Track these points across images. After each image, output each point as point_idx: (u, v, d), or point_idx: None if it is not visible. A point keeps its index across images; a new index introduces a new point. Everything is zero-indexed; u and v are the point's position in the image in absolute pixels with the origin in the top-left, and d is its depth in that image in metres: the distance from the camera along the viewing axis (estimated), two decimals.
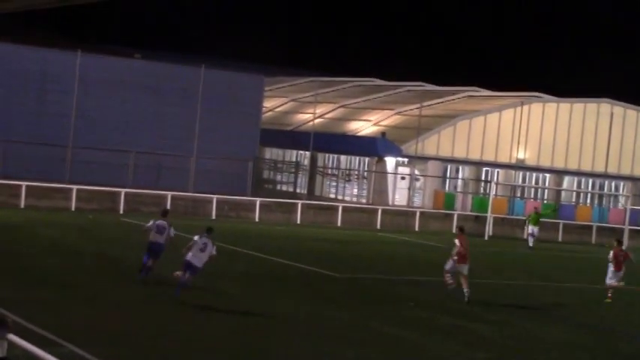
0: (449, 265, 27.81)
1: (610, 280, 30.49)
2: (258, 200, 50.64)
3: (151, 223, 25.98)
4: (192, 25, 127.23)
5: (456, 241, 27.88)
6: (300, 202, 52.48)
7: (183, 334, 19.67)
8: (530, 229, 49.95)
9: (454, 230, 52.83)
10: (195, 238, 24.29)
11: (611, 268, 30.43)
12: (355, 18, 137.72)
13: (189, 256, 23.78)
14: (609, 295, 30.33)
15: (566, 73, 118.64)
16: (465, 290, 26.93)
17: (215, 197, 49.37)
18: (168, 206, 47.88)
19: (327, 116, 73.56)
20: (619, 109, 68.88)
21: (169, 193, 48.63)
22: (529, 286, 33.36)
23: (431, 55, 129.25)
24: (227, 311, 22.66)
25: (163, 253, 25.55)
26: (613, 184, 69.98)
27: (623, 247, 32.57)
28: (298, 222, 50.40)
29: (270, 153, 71.30)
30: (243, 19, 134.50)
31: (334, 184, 67.01)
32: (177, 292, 23.49)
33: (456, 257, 27.46)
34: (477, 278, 33.72)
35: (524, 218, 54.63)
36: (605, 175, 68.42)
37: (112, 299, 22.95)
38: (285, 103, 79.24)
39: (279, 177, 69.90)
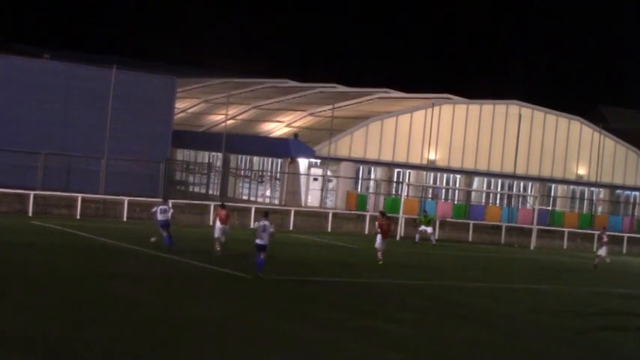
0: (377, 242, 36.86)
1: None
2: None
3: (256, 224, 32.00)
4: (103, 25, 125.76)
5: (376, 223, 36.40)
6: (212, 203, 52.23)
7: (101, 339, 19.40)
8: (422, 227, 51.13)
9: (366, 231, 53.37)
10: (255, 225, 31.88)
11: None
12: (268, 18, 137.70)
13: (258, 240, 30.80)
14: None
15: (475, 75, 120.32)
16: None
17: (126, 199, 48.87)
18: (79, 208, 47.38)
19: (239, 117, 73.41)
20: (527, 111, 70.10)
21: (80, 195, 48.02)
22: (442, 286, 33.73)
23: (343, 57, 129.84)
24: (142, 315, 22.45)
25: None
26: (522, 184, 71.18)
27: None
28: (210, 223, 50.11)
29: (183, 154, 70.87)
30: (156, 19, 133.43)
31: (247, 185, 66.89)
32: (260, 267, 30.38)
33: (379, 230, 36.16)
34: (390, 278, 34.04)
35: (415, 218, 55.49)
36: (514, 176, 69.57)
37: (24, 303, 22.54)
38: (198, 104, 78.88)
39: (191, 178, 69.51)
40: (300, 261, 37.63)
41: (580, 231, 63.02)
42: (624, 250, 61.12)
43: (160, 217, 35.97)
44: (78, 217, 47.02)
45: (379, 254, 37.50)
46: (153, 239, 35.77)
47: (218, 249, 36.16)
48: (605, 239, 46.63)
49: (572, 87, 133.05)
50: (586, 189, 73.55)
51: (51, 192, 48.79)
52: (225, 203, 40.43)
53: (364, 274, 34.65)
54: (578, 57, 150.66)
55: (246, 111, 74.22)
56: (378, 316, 25.19)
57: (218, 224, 36.80)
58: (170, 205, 37.45)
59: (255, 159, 67.58)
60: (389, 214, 58.27)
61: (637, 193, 74.90)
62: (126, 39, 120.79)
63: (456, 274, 38.18)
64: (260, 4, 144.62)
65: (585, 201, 73.87)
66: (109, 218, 48.13)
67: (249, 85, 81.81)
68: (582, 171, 72.03)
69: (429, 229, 51.40)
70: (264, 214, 32.65)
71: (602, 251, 46.18)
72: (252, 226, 32.86)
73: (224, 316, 23.21)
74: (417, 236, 51.38)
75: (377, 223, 39.18)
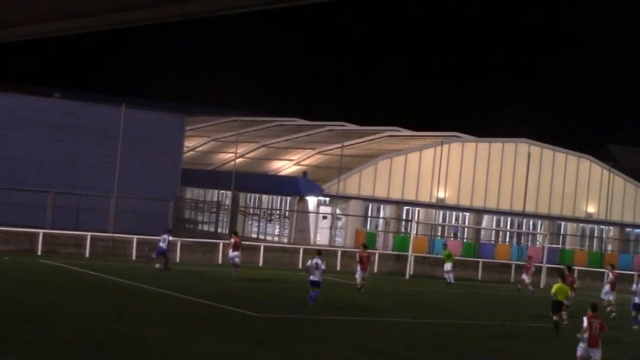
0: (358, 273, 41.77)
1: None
2: (179, 240, 50.21)
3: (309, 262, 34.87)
4: (113, 65, 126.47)
5: (357, 255, 42.55)
6: (221, 241, 52.18)
7: None
8: (445, 266, 51.27)
9: (375, 269, 53.24)
10: (308, 263, 34.85)
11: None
12: (277, 56, 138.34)
13: (311, 277, 34.16)
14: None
15: (484, 114, 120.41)
16: None
17: (135, 237, 48.85)
18: (88, 247, 47.39)
19: (248, 156, 73.50)
20: (536, 149, 70.06)
21: (89, 234, 48.01)
22: (452, 324, 33.55)
23: (352, 95, 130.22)
24: (151, 355, 22.36)
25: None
26: (531, 222, 70.99)
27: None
28: (220, 262, 50.09)
29: (192, 193, 70.91)
30: (164, 59, 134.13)
31: (256, 223, 66.85)
32: (311, 301, 33.60)
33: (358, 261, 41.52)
34: (399, 317, 33.90)
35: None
36: (523, 214, 69.40)
37: (33, 343, 22.47)
38: (207, 142, 79.02)
39: (200, 217, 69.50)
40: (307, 300, 37.45)
41: (590, 269, 62.73)
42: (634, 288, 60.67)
43: (160, 244, 43.04)
44: (87, 255, 47.01)
45: (360, 281, 41.57)
46: (157, 265, 42.82)
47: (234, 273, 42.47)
48: (532, 268, 49.03)
49: (581, 125, 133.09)
50: (596, 227, 73.32)
51: (60, 231, 48.79)
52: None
53: (374, 313, 34.50)
54: (587, 95, 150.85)
55: (255, 149, 74.33)
56: (389, 356, 25.04)
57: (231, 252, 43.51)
58: (170, 236, 44.17)
59: (264, 197, 67.56)
60: (399, 253, 58.40)
61: None
62: (134, 78, 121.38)
63: (464, 312, 37.97)
64: (269, 42, 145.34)
65: (595, 239, 73.64)
66: (117, 257, 48.08)
67: (258, 124, 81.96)
68: (592, 209, 71.85)
69: (449, 266, 51.19)
70: (317, 252, 36.41)
71: (526, 277, 47.80)
72: (307, 264, 35.73)
73: (233, 356, 23.08)
74: (449, 276, 51.20)
75: (358, 254, 42.71)
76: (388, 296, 41.88)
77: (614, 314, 40.25)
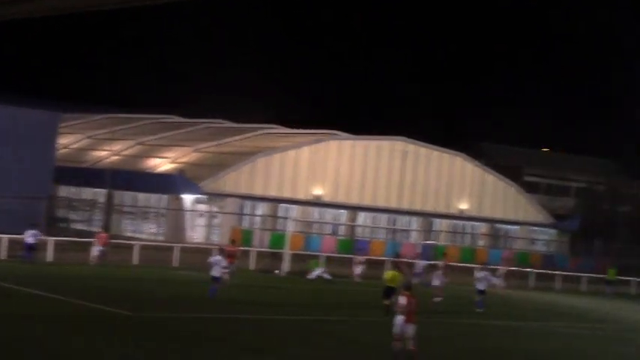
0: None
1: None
2: (52, 240, 49.37)
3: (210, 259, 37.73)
4: None
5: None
6: (94, 240, 51.45)
7: None
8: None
9: (251, 267, 53.38)
10: (210, 259, 37.89)
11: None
12: (151, 52, 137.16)
13: (212, 272, 37.08)
14: None
15: (362, 113, 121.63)
16: None
17: (6, 237, 47.84)
18: None
19: (124, 153, 72.78)
20: (412, 147, 71.25)
21: None
22: (337, 321, 33.93)
23: (230, 92, 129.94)
24: (19, 355, 22.06)
25: None
26: (406, 219, 72.15)
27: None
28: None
29: (66, 191, 69.81)
30: (35, 54, 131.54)
31: (131, 221, 66.24)
32: (211, 295, 35.85)
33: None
34: (282, 314, 34.12)
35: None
36: (399, 211, 70.51)
37: None
38: (81, 139, 77.93)
39: (74, 215, 68.47)
40: (182, 298, 37.39)
41: (462, 265, 64.06)
42: (504, 284, 62.28)
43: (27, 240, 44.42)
44: None
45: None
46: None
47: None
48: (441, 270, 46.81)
49: (455, 124, 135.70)
50: (468, 223, 74.98)
51: None
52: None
53: (251, 310, 34.64)
54: (460, 94, 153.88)
55: (130, 147, 73.63)
56: (269, 353, 25.22)
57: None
58: (37, 231, 45.67)
59: (140, 195, 66.99)
60: (275, 250, 58.66)
61: (516, 227, 76.67)
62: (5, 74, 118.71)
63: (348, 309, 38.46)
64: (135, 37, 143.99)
65: (467, 235, 75.29)
66: None
67: (134, 121, 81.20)
68: (464, 205, 73.45)
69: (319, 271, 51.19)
70: (219, 250, 39.51)
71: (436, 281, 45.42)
72: (208, 260, 38.49)
73: (101, 356, 22.90)
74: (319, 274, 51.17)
75: (225, 250, 43.29)
76: (264, 293, 42.06)
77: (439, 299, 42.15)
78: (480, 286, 41.81)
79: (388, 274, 37.36)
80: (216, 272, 37.43)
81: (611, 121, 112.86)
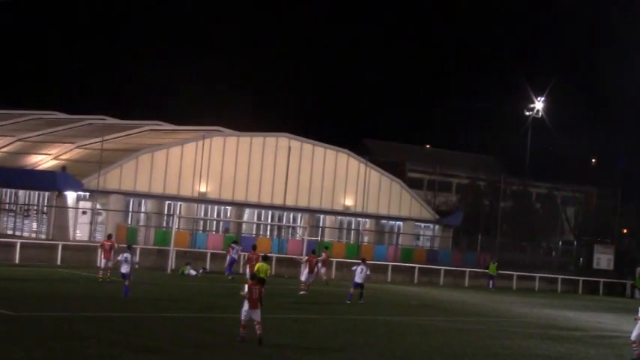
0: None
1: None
2: None
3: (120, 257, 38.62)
4: None
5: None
6: None
7: None
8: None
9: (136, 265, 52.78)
10: (119, 257, 38.73)
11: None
12: (28, 49, 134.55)
13: (122, 269, 37.95)
14: None
15: (244, 109, 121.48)
16: None
17: None
18: None
19: (3, 150, 71.20)
20: (296, 143, 71.45)
21: None
22: (215, 318, 33.82)
23: (111, 88, 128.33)
24: None
25: None
26: (291, 215, 72.37)
27: None
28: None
29: None
30: None
31: (12, 219, 64.84)
32: (125, 294, 36.29)
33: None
34: (161, 312, 33.85)
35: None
36: (284, 207, 70.67)
37: None
38: None
39: None
40: (65, 297, 36.81)
41: (347, 261, 64.61)
42: (389, 279, 63.18)
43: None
44: None
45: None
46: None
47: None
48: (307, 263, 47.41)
49: (339, 120, 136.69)
50: (353, 219, 75.61)
51: None
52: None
53: (134, 309, 34.30)
54: (344, 91, 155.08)
55: (10, 143, 72.04)
56: (150, 351, 25.02)
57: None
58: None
59: (21, 192, 65.64)
60: (160, 247, 58.18)
61: (400, 223, 77.64)
62: None
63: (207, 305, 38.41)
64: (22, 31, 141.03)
65: (352, 231, 75.92)
66: None
67: (14, 117, 79.46)
68: (349, 202, 74.03)
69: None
70: (127, 247, 39.87)
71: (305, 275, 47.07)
72: (118, 258, 39.48)
73: None
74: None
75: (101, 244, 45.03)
76: (150, 291, 41.70)
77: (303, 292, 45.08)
78: (358, 280, 43.76)
79: (257, 266, 40.85)
80: (124, 269, 38.01)
81: (493, 117, 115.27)
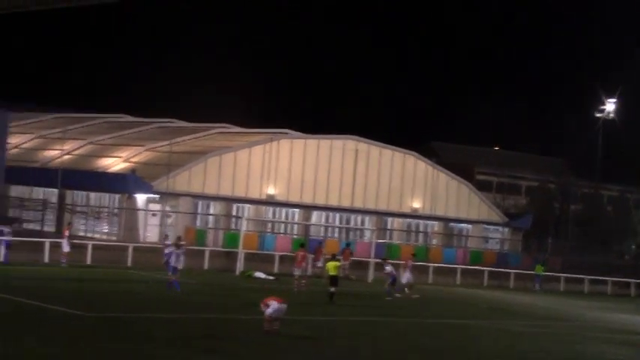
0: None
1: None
2: (2, 239, 48.77)
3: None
4: None
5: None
6: (48, 240, 51.02)
7: None
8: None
9: (205, 267, 53.17)
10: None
11: None
12: (101, 51, 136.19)
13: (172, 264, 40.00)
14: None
15: (315, 111, 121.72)
16: None
17: None
18: None
19: (75, 153, 72.14)
20: (363, 146, 71.32)
21: None
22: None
23: (184, 91, 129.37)
24: None
25: None
26: (359, 218, 72.21)
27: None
28: (46, 261, 48.99)
29: (17, 190, 68.99)
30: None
31: (84, 221, 65.67)
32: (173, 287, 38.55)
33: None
34: (231, 313, 34.00)
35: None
36: (352, 210, 70.56)
37: None
38: (32, 139, 77.09)
39: (25, 215, 67.68)
40: (135, 298, 37.14)
41: (417, 263, 64.25)
42: (458, 282, 62.70)
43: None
44: None
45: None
46: None
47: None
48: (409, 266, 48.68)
49: (406, 123, 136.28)
50: (421, 222, 75.23)
51: None
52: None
53: (203, 310, 34.47)
54: (411, 94, 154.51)
55: (82, 146, 72.99)
56: (220, 353, 25.11)
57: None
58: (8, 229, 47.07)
59: (92, 195, 66.45)
60: (229, 250, 58.46)
61: (469, 226, 77.10)
62: None
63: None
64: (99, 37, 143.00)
65: (420, 234, 75.55)
66: None
67: (85, 120, 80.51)
68: (417, 204, 73.70)
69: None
70: (382, 259, 45.41)
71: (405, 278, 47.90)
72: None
73: (49, 356, 22.58)
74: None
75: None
76: (218, 293, 41.92)
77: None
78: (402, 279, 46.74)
79: (329, 264, 41.18)
80: (174, 262, 39.76)
81: (563, 120, 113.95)
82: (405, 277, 47.87)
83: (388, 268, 45.98)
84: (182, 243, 45.44)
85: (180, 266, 44.09)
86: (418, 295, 46.65)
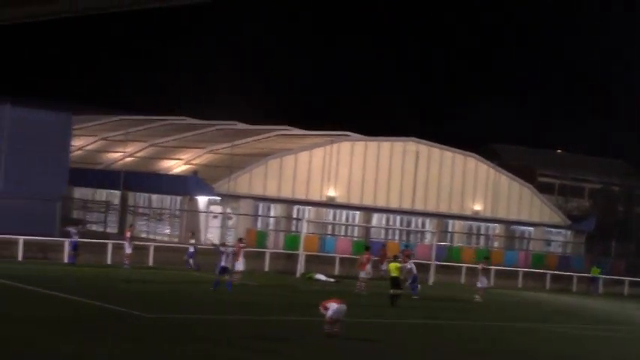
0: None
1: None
2: (66, 241, 49.41)
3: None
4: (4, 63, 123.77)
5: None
6: (110, 242, 51.54)
7: None
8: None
9: (266, 268, 53.31)
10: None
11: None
12: (164, 55, 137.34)
13: (222, 263, 40.62)
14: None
15: (374, 113, 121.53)
16: None
17: (22, 238, 47.89)
18: None
19: (137, 155, 72.77)
20: (424, 148, 70.97)
21: None
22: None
23: (244, 93, 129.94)
24: (29, 356, 21.94)
25: None
26: (420, 220, 71.85)
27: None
28: (109, 262, 49.50)
29: (80, 192, 69.81)
30: (49, 56, 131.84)
31: (146, 223, 66.20)
32: (228, 287, 39.81)
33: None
34: (285, 315, 34.01)
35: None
36: (412, 212, 70.25)
37: None
38: (95, 141, 77.94)
39: (89, 216, 68.48)
40: (196, 299, 37.31)
41: (477, 266, 63.76)
42: (520, 285, 62.15)
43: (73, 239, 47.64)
44: None
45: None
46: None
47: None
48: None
49: (467, 124, 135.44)
50: (482, 224, 74.64)
51: None
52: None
53: (263, 312, 34.51)
54: (471, 94, 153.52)
55: (144, 148, 73.60)
56: (280, 354, 25.10)
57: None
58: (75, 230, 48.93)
59: (154, 197, 66.97)
60: (289, 252, 58.60)
61: (531, 229, 76.33)
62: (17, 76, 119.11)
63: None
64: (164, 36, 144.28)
65: (482, 236, 74.97)
66: (3, 258, 47.02)
67: (147, 123, 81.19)
68: (478, 207, 73.15)
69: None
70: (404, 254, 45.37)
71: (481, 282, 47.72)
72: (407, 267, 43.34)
73: (112, 357, 22.73)
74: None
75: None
76: (278, 295, 41.97)
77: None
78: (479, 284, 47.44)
79: (391, 265, 41.20)
80: (225, 262, 40.28)
81: (625, 121, 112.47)
82: (481, 281, 47.56)
83: (408, 266, 45.10)
84: (242, 245, 45.58)
85: (241, 268, 44.29)
86: (480, 300, 46.25)
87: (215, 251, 42.84)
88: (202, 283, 43.67)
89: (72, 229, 49.19)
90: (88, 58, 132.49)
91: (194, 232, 55.29)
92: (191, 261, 51.13)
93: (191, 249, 51.52)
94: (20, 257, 47.37)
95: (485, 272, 48.62)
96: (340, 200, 67.38)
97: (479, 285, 47.43)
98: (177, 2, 17.19)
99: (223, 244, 43.59)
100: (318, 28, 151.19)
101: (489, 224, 74.43)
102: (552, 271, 66.63)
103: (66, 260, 47.99)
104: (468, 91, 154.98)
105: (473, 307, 44.35)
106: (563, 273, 67.34)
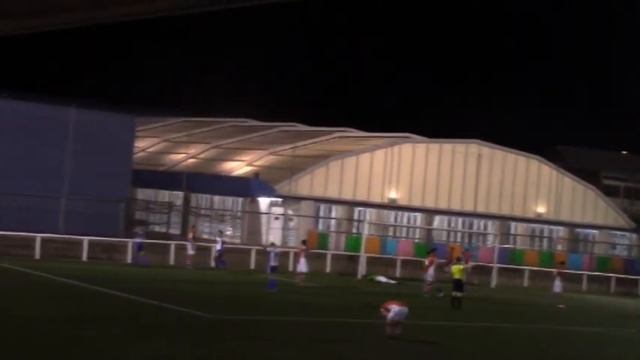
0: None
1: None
2: (130, 241, 49.88)
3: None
4: (58, 63, 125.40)
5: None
6: (173, 242, 51.92)
7: None
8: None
9: (327, 270, 53.30)
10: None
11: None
12: (226, 56, 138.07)
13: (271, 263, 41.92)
14: None
15: (436, 115, 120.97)
16: None
17: (86, 239, 48.45)
18: (38, 248, 46.82)
19: (200, 156, 73.26)
20: (486, 150, 70.51)
21: (39, 235, 47.47)
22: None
23: (304, 96, 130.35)
24: (92, 356, 22.14)
25: None
26: (482, 222, 71.41)
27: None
28: (172, 263, 49.86)
29: (143, 193, 70.49)
30: (111, 58, 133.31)
31: (208, 224, 66.60)
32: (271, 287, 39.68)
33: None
34: (349, 317, 33.97)
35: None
36: (475, 214, 69.80)
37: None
38: (158, 143, 78.62)
39: (152, 218, 69.12)
40: (257, 300, 37.41)
41: (540, 269, 63.21)
42: (584, 288, 61.41)
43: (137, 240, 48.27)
44: (37, 257, 46.50)
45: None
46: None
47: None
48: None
49: (530, 126, 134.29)
50: (545, 227, 73.93)
51: (9, 232, 48.08)
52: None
53: (324, 314, 34.49)
54: (536, 96, 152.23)
55: (206, 150, 74.09)
56: (342, 357, 25.07)
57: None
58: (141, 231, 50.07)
59: (216, 198, 67.35)
60: (351, 253, 58.56)
61: (596, 232, 75.43)
62: (83, 79, 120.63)
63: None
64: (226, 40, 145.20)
65: (545, 239, 74.24)
66: (68, 258, 47.60)
67: (209, 124, 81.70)
68: (541, 209, 72.48)
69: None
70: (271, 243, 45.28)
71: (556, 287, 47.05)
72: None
73: (171, 357, 22.86)
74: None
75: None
76: (339, 297, 41.94)
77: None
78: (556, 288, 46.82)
79: (454, 268, 41.09)
80: (274, 262, 41.34)
81: None
82: (557, 285, 47.16)
83: (469, 269, 45.96)
84: (304, 247, 45.75)
85: (304, 269, 44.41)
86: (564, 306, 45.64)
87: (264, 252, 44.34)
88: (264, 285, 43.82)
89: (139, 230, 49.99)
90: (153, 60, 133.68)
91: (222, 231, 56.13)
92: (213, 261, 50.66)
93: (218, 246, 50.83)
94: (85, 257, 47.90)
95: (560, 277, 48.01)
96: (401, 202, 67.19)
97: (556, 290, 46.92)
98: (254, 2, 17.17)
99: (272, 244, 44.84)
100: (378, 29, 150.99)
101: (553, 227, 73.70)
102: (617, 275, 65.73)
103: (129, 261, 48.46)
104: (533, 93, 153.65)
105: (534, 310, 43.89)
106: (628, 277, 66.39)
